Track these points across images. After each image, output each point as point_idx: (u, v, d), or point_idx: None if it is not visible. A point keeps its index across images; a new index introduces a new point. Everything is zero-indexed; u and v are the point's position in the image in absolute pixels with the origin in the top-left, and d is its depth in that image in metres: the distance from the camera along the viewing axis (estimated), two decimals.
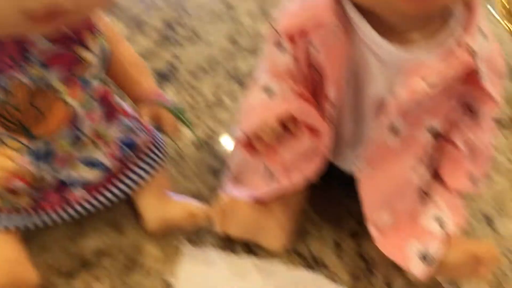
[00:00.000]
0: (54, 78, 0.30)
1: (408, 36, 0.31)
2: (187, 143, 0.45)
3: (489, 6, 0.52)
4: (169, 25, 0.61)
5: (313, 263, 0.36)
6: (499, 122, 0.50)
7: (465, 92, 0.33)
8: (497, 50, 0.33)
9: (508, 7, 0.49)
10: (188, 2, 0.66)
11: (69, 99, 0.31)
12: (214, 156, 0.44)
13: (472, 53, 0.30)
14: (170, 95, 0.50)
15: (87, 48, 0.31)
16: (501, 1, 0.50)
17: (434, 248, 0.33)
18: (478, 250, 0.32)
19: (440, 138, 0.35)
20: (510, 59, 0.59)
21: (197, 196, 0.40)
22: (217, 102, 0.50)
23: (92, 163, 0.34)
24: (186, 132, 0.45)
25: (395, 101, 0.31)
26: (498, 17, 0.50)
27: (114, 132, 0.35)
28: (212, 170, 0.43)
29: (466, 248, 0.33)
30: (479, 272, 0.33)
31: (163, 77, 0.53)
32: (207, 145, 0.45)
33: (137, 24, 0.61)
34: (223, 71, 0.54)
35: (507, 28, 0.49)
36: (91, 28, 0.31)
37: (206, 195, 0.40)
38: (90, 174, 0.34)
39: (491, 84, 0.32)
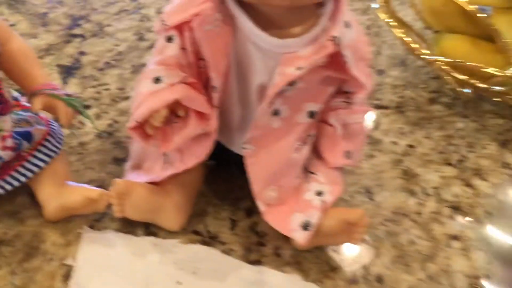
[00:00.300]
0: None
1: (287, 31, 0.34)
2: (91, 134, 0.46)
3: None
4: (75, 21, 0.62)
5: (210, 240, 0.39)
6: (386, 107, 0.56)
7: (339, 80, 0.37)
8: (362, 39, 0.37)
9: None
10: None
11: None
12: (117, 146, 0.46)
13: (336, 42, 0.33)
14: (74, 88, 0.51)
15: None
16: None
17: (314, 217, 0.36)
18: (351, 216, 0.36)
19: (320, 120, 0.39)
20: (397, 49, 0.65)
21: (101, 185, 0.41)
22: (121, 94, 0.51)
23: None
24: (89, 125, 0.47)
25: (273, 87, 0.34)
26: (379, 11, 0.55)
27: (8, 124, 0.36)
28: (116, 159, 0.44)
29: (340, 216, 0.37)
30: (353, 236, 0.37)
31: (68, 71, 0.54)
32: (111, 135, 0.47)
33: (42, 20, 0.61)
34: (128, 65, 0.56)
35: (384, 18, 0.54)
36: None
37: (110, 184, 0.42)
38: None
39: (358, 70, 0.36)
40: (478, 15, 0.47)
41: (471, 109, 0.57)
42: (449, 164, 0.49)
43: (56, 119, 0.38)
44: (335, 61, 0.35)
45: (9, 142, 0.36)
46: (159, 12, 0.66)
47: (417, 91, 0.59)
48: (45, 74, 0.38)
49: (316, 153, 0.40)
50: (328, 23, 0.34)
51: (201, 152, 0.37)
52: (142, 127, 0.35)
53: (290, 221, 0.37)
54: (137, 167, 0.41)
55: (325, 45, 0.34)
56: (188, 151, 0.37)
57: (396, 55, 0.64)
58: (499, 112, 0.56)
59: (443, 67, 0.53)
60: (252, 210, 0.41)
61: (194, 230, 0.39)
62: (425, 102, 0.57)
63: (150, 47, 0.59)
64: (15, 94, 0.39)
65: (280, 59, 0.34)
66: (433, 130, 0.53)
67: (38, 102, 0.36)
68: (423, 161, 0.49)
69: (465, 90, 0.54)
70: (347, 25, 0.35)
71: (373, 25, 0.70)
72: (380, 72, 0.61)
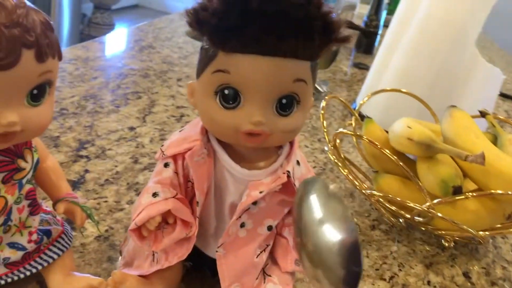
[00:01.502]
0: None
1: (254, 165, 0.46)
2: (91, 237, 0.56)
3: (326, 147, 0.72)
4: (82, 144, 0.74)
5: None
6: None
7: (291, 202, 0.49)
8: (307, 173, 0.49)
9: (331, 144, 0.69)
10: (99, 127, 0.81)
11: (7, 196, 0.42)
12: (112, 248, 0.55)
13: (289, 175, 0.46)
14: None
15: (25, 160, 0.43)
16: (328, 139, 0.69)
17: None
18: None
19: (276, 233, 0.50)
20: (347, 183, 0.78)
21: None
22: (117, 206, 0.62)
23: (15, 246, 0.45)
24: (90, 230, 0.57)
25: (241, 205, 0.46)
26: (329, 153, 0.69)
27: (36, 222, 0.46)
28: (110, 258, 0.54)
29: None
30: None
31: (74, 185, 0.65)
32: (107, 239, 0.56)
33: (54, 142, 0.74)
34: (124, 183, 0.67)
35: (333, 159, 0.68)
36: (29, 146, 0.44)
37: (104, 278, 0.51)
38: (12, 254, 0.45)
39: None
40: (400, 163, 0.61)
41: (404, 236, 0.69)
42: (383, 279, 0.60)
43: (69, 222, 0.48)
44: (288, 188, 0.47)
45: (34, 237, 0.46)
46: (152, 141, 0.80)
47: (361, 219, 0.71)
48: (68, 186, 0.49)
49: (272, 259, 0.50)
50: (284, 161, 0.47)
51: (182, 253, 0.47)
52: (139, 230, 0.46)
53: None
54: (128, 264, 0.51)
55: (281, 176, 0.46)
56: (172, 251, 0.47)
57: (346, 188, 0.78)
58: (427, 240, 0.69)
59: (379, 200, 0.66)
60: None
61: None
62: (367, 227, 0.69)
63: (143, 169, 0.71)
64: (40, 200, 0.50)
65: (248, 185, 0.46)
66: (372, 251, 0.64)
67: (61, 207, 0.46)
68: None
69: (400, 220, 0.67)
70: (298, 163, 0.48)
71: (328, 162, 0.85)
72: None
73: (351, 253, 0.36)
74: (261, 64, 0.40)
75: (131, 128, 0.82)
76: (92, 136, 0.77)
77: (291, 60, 0.41)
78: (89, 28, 3.55)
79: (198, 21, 0.40)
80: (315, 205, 0.37)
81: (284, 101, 0.42)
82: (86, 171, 0.68)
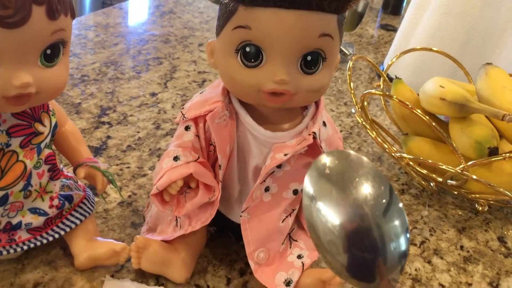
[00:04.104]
0: (15, 144, 0.40)
1: (278, 126, 0.44)
2: (114, 202, 0.55)
3: (353, 109, 0.69)
4: (103, 111, 0.73)
5: None
6: None
7: None
8: (337, 135, 0.47)
9: (359, 105, 0.66)
10: (121, 93, 0.79)
11: (25, 160, 0.41)
12: (135, 213, 0.55)
13: (315, 136, 0.44)
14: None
15: (42, 124, 0.42)
16: (355, 101, 0.66)
17: (295, 275, 0.45)
18: (324, 276, 0.44)
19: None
20: (375, 147, 0.76)
21: None
22: (140, 172, 0.61)
23: (36, 211, 0.44)
24: (112, 196, 0.56)
25: (265, 168, 0.44)
26: (356, 115, 0.66)
27: (57, 188, 0.45)
28: (133, 224, 0.53)
29: (316, 275, 0.45)
30: None
31: (96, 151, 0.64)
32: (130, 205, 0.56)
33: (76, 109, 0.73)
34: (146, 149, 0.66)
35: (360, 121, 0.65)
36: (46, 109, 0.43)
37: (127, 243, 0.50)
38: (34, 219, 0.44)
39: None
40: (433, 124, 0.58)
41: (435, 200, 0.66)
42: (413, 244, 0.58)
43: (91, 187, 0.47)
44: (315, 150, 0.45)
45: (55, 202, 0.45)
46: (173, 106, 0.78)
47: (390, 183, 0.68)
48: (88, 151, 0.48)
49: (299, 224, 0.49)
50: (310, 122, 0.45)
51: (206, 218, 0.46)
52: (161, 194, 0.44)
53: (275, 278, 0.45)
54: (152, 230, 0.50)
55: (306, 138, 0.44)
56: (196, 216, 0.46)
57: (374, 152, 0.75)
58: (459, 204, 0.66)
59: (409, 163, 0.64)
60: (244, 271, 0.49)
61: (196, 284, 0.47)
62: (396, 192, 0.67)
63: (165, 134, 0.70)
64: (61, 166, 0.49)
65: (272, 147, 0.44)
66: None
67: (82, 172, 0.45)
68: None
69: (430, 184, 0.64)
70: (324, 124, 0.46)
71: (355, 126, 0.82)
72: None
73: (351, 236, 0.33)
74: (284, 18, 0.38)
75: (153, 94, 0.81)
76: (113, 102, 0.76)
77: (316, 13, 0.38)
78: None
79: None
80: (307, 181, 0.35)
81: (309, 58, 0.40)
82: (108, 137, 0.67)
